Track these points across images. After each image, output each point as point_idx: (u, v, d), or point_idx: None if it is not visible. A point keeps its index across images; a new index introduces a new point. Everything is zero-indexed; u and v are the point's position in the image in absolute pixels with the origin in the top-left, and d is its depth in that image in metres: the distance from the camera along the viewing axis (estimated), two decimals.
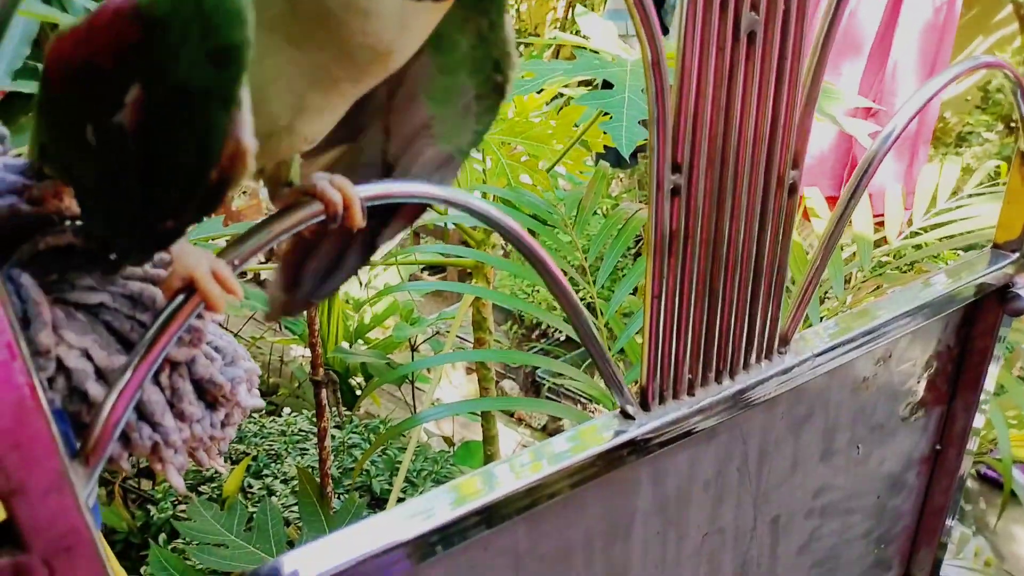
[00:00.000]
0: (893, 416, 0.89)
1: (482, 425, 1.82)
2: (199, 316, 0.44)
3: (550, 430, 3.17)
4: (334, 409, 1.82)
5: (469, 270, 1.63)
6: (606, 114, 1.04)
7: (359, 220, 0.44)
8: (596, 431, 0.60)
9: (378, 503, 1.64)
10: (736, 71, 0.54)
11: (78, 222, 0.47)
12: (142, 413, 0.44)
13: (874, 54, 1.66)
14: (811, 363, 0.71)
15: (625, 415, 0.61)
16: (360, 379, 2.50)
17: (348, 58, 0.39)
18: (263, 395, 2.74)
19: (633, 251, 2.89)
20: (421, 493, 1.75)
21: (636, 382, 0.63)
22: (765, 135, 0.58)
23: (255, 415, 2.10)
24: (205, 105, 0.34)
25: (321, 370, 1.29)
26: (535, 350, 3.19)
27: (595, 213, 1.31)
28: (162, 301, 0.45)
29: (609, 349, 0.62)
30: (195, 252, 0.42)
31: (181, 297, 0.41)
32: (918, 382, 0.90)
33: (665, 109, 0.52)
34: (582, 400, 2.93)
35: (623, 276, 1.44)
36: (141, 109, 0.35)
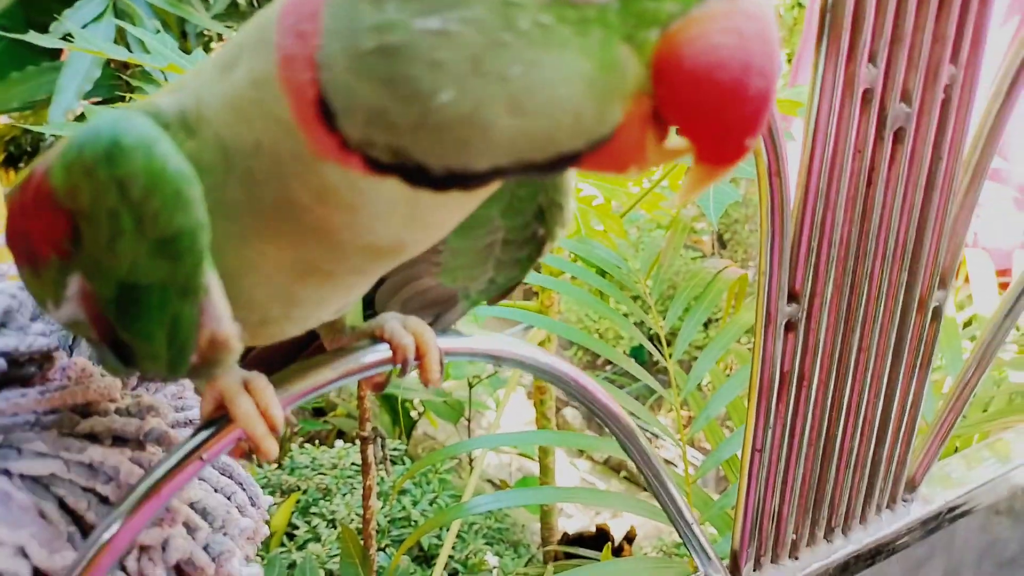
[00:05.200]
0: None
1: (539, 461, 1.71)
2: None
3: (613, 464, 3.03)
4: (381, 461, 1.74)
5: (535, 290, 1.53)
6: None
7: (435, 374, 0.34)
8: None
9: (426, 559, 1.55)
10: (876, 176, 0.42)
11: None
12: None
13: None
14: (942, 510, 0.58)
15: None
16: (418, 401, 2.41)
17: (339, 254, 0.29)
18: (320, 413, 2.69)
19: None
20: (472, 551, 1.66)
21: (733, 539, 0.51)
22: (908, 251, 0.45)
23: (308, 445, 2.04)
24: (163, 299, 0.26)
25: (368, 425, 1.21)
26: (602, 377, 3.06)
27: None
28: (127, 471, 0.36)
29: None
30: (232, 372, 0.33)
31: (159, 473, 0.32)
32: None
33: (784, 226, 0.40)
34: (648, 434, 2.79)
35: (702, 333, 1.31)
36: (93, 302, 0.28)
